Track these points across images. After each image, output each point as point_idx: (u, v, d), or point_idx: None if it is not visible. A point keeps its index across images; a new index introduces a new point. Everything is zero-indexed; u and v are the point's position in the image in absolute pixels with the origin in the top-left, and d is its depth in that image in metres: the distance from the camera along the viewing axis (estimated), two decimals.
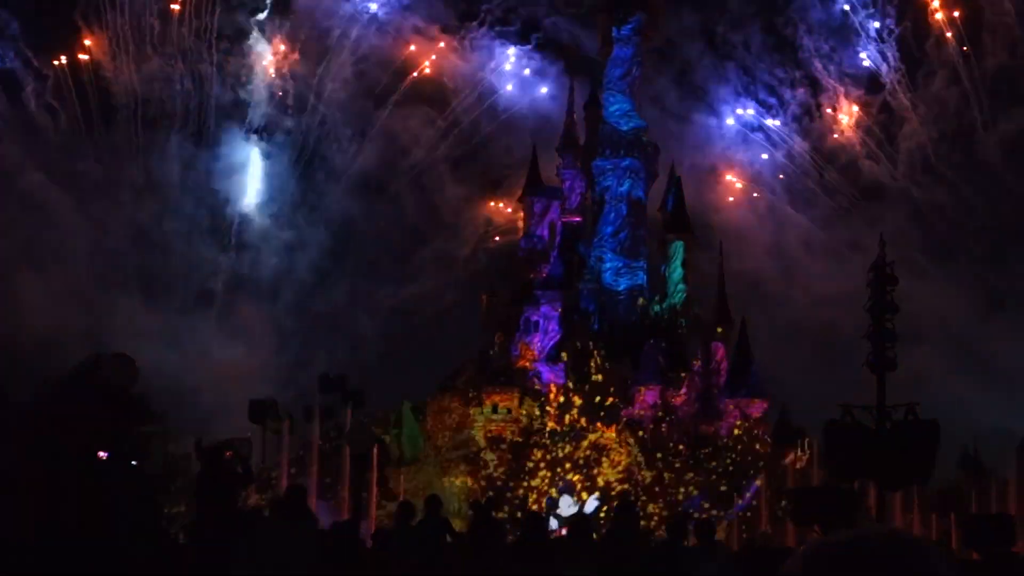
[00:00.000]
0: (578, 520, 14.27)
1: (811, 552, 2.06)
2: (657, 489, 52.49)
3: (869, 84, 76.30)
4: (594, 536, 15.12)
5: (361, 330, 71.87)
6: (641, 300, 59.66)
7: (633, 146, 60.50)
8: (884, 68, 75.50)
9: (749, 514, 53.08)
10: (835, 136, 77.95)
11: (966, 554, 15.14)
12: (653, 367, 55.21)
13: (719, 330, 60.65)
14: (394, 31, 73.84)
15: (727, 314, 61.22)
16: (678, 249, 60.75)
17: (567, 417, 54.37)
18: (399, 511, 15.68)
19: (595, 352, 55.82)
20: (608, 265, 59.64)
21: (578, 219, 60.94)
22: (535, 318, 57.96)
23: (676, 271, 60.63)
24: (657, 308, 59.77)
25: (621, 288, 59.57)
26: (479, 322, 61.93)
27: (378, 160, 75.65)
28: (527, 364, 56.62)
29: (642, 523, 38.39)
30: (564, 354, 56.25)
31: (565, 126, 63.72)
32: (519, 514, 44.25)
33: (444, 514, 16.85)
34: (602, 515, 46.55)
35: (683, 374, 56.92)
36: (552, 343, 56.89)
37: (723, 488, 53.89)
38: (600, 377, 55.29)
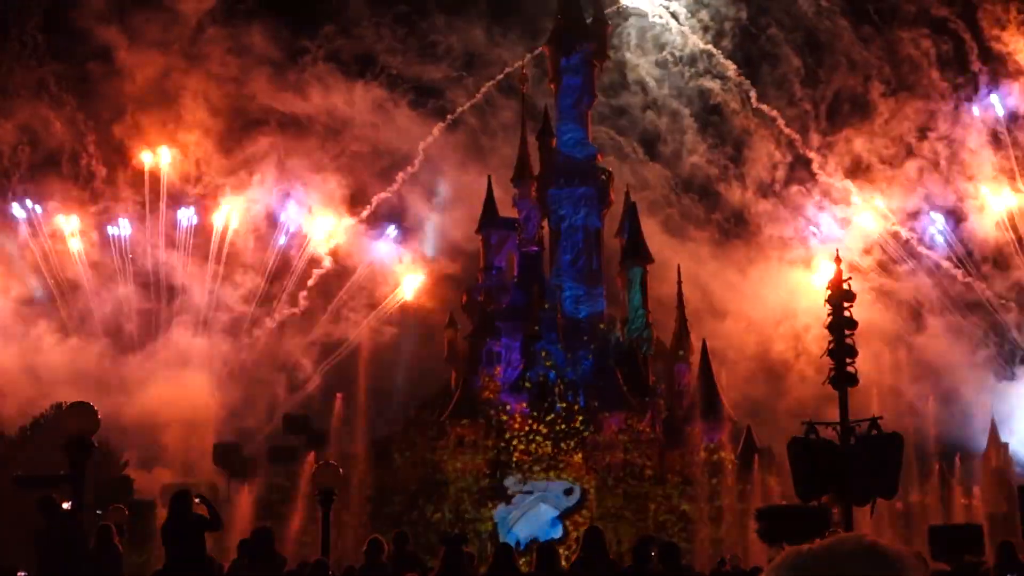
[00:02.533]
0: (544, 547, 14.23)
1: (789, 559, 2.08)
2: (625, 515, 52.52)
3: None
4: (562, 563, 15.11)
5: (311, 369, 71.81)
6: (602, 326, 59.81)
7: (587, 174, 60.74)
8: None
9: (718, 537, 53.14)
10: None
11: (935, 566, 15.23)
12: (616, 394, 55.26)
13: (680, 354, 60.89)
14: None
15: (687, 338, 61.46)
16: (636, 275, 60.96)
17: (533, 446, 54.43)
18: (368, 547, 15.62)
19: (559, 381, 55.89)
20: (568, 294, 59.75)
21: (536, 249, 61.02)
22: (497, 349, 58.06)
23: (636, 297, 60.82)
24: (618, 335, 59.92)
25: (582, 316, 59.67)
26: (444, 357, 61.95)
27: None
28: (491, 395, 56.67)
29: (611, 549, 38.39)
30: (527, 384, 56.29)
31: (519, 157, 63.89)
32: (489, 547, 44.15)
33: (412, 549, 16.82)
34: (571, 542, 46.54)
35: (646, 399, 57.02)
36: (515, 374, 56.93)
37: (685, 509, 54.11)
38: (564, 405, 55.40)
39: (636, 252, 61.31)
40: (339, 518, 47.31)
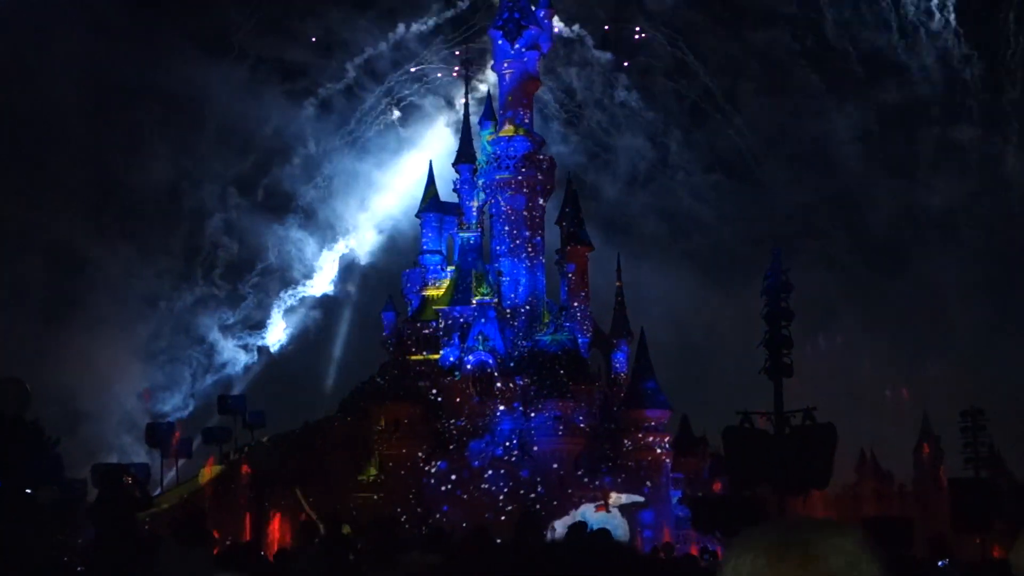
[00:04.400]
0: (477, 531, 14.18)
1: (745, 537, 2.04)
2: (555, 504, 52.53)
3: None
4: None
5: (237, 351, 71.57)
6: (545, 316, 59.84)
7: (528, 160, 60.66)
8: None
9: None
10: None
11: None
12: (554, 381, 55.29)
13: (614, 342, 61.16)
14: None
15: (626, 326, 61.69)
16: (576, 262, 61.15)
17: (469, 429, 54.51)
18: (301, 530, 15.52)
19: (497, 367, 55.90)
20: (507, 279, 59.71)
21: (476, 234, 60.91)
22: (437, 335, 58.11)
23: (575, 283, 60.99)
24: (556, 321, 59.97)
25: (520, 302, 59.66)
26: (379, 341, 61.76)
27: None
28: (426, 382, 56.69)
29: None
30: (465, 368, 56.25)
31: (461, 141, 63.77)
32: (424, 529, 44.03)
33: (347, 532, 16.71)
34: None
35: (584, 387, 57.11)
36: (454, 358, 56.90)
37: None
38: (500, 389, 55.45)
39: (576, 238, 61.41)
40: (274, 501, 47.13)
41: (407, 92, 71.22)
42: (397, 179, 71.30)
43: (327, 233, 75.72)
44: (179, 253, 73.04)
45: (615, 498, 52.22)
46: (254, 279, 73.18)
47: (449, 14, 71.25)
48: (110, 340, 68.07)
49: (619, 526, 48.75)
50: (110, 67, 72.46)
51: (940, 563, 16.88)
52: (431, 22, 71.55)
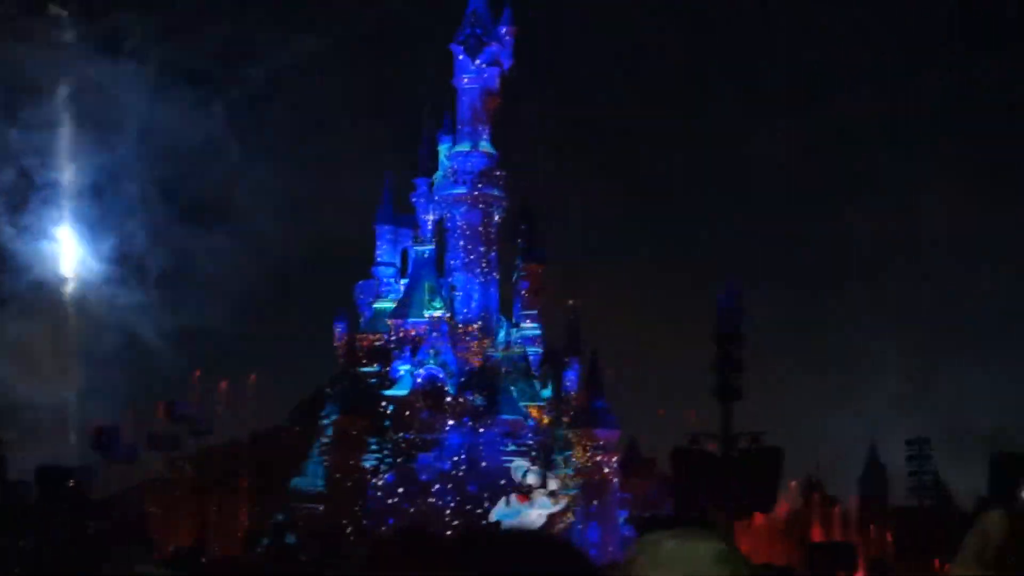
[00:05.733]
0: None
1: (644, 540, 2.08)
2: None
3: None
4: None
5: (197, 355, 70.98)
6: (500, 335, 59.78)
7: (485, 176, 60.74)
8: None
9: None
10: None
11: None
12: (505, 397, 55.35)
13: (566, 360, 61.28)
14: None
15: (578, 345, 61.81)
16: (529, 281, 61.30)
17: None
18: (246, 537, 15.48)
19: (447, 381, 55.87)
20: (460, 294, 59.72)
21: (430, 247, 60.88)
22: (388, 347, 58.04)
23: (529, 301, 61.15)
24: (508, 337, 60.05)
25: (473, 317, 59.66)
26: (334, 352, 61.54)
27: None
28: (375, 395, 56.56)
29: None
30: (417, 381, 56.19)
31: (419, 154, 63.76)
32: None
33: (291, 541, 16.65)
34: None
35: (533, 404, 57.21)
36: (405, 372, 56.78)
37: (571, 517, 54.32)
38: (450, 403, 55.43)
39: (530, 254, 61.55)
40: (221, 507, 46.90)
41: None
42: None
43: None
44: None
45: (540, 492, 52.54)
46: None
47: None
48: (45, 333, 67.32)
49: (527, 516, 49.47)
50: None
51: None
52: None
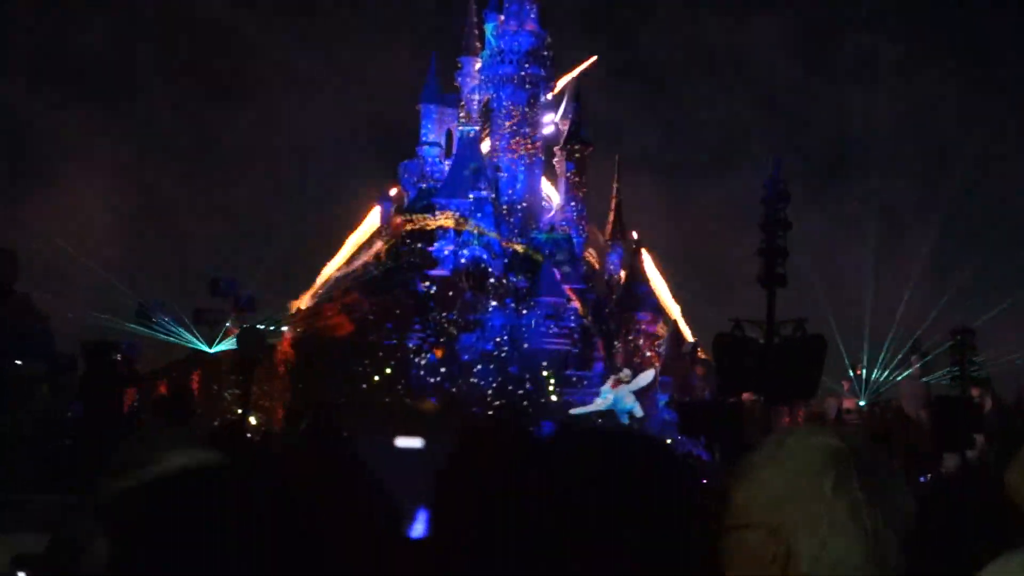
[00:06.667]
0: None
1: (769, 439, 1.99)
2: (542, 401, 52.81)
3: None
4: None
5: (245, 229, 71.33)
6: (548, 217, 59.55)
7: (532, 56, 60.09)
8: None
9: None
10: None
11: None
12: (548, 279, 55.30)
13: (609, 244, 61.11)
14: None
15: (622, 229, 61.61)
16: (575, 163, 60.88)
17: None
18: (287, 415, 15.55)
19: (491, 262, 55.80)
20: (505, 175, 59.43)
21: (476, 128, 60.48)
22: (432, 228, 57.92)
23: (573, 181, 60.80)
24: (553, 220, 59.86)
25: (517, 197, 59.44)
26: (378, 229, 61.54)
27: None
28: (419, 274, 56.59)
29: None
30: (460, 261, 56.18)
31: (464, 34, 63.07)
32: None
33: (334, 420, 16.70)
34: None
35: (577, 287, 57.19)
36: (449, 252, 56.68)
37: None
38: (492, 290, 55.46)
39: (576, 137, 61.06)
40: (264, 386, 47.29)
41: None
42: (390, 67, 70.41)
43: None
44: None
45: (626, 374, 52.79)
46: None
47: None
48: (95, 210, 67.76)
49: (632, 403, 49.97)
50: None
51: (921, 478, 16.95)
52: None
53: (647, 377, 52.40)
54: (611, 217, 62.28)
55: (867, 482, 1.80)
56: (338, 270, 66.30)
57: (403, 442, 2.80)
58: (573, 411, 51.03)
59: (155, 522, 1.78)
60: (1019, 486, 1.70)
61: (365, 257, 64.05)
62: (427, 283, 56.11)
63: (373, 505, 2.44)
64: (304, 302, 60.27)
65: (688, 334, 64.09)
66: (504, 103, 60.30)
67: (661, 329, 59.29)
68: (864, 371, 66.24)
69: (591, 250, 61.41)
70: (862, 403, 62.63)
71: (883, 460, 1.87)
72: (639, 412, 51.33)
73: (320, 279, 63.50)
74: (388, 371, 53.34)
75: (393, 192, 61.66)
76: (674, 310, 63.92)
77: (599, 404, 51.82)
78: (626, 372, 53.03)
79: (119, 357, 15.41)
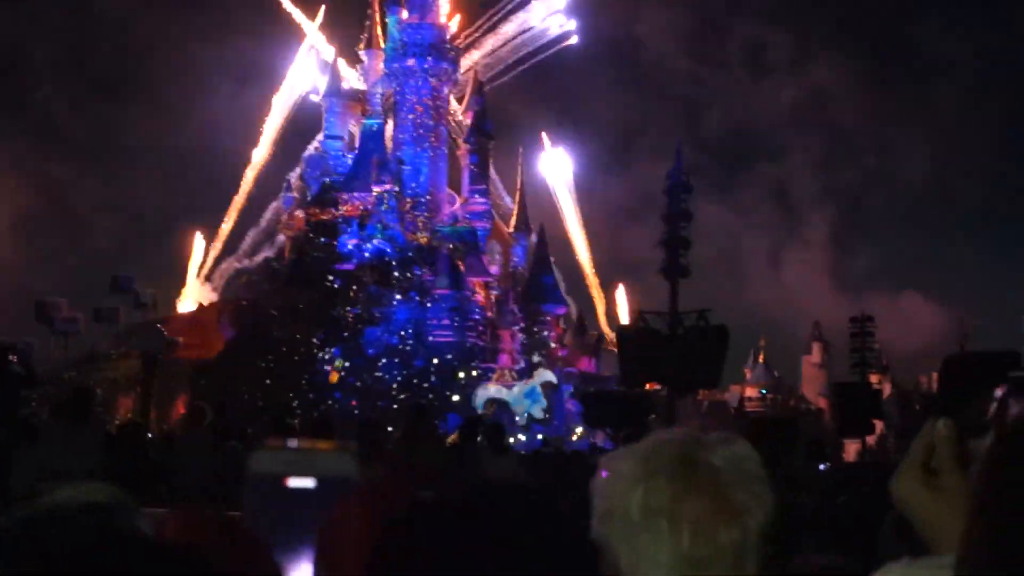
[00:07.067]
0: (369, 423, 14.17)
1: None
2: (447, 394, 52.76)
3: None
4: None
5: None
6: (452, 210, 59.43)
7: (435, 48, 59.99)
8: None
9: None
10: None
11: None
12: (452, 272, 55.24)
13: (514, 236, 61.23)
14: None
15: (526, 221, 61.73)
16: (479, 155, 60.84)
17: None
18: (189, 414, 15.34)
19: (395, 256, 55.62)
20: (408, 168, 59.26)
21: (379, 121, 60.22)
22: (336, 221, 57.58)
23: (475, 174, 60.77)
24: (456, 212, 59.82)
25: (421, 191, 59.32)
26: (278, 226, 61.22)
27: None
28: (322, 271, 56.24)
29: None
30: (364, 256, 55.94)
31: (368, 27, 62.82)
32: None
33: (231, 417, 16.56)
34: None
35: (480, 279, 57.21)
36: (352, 246, 56.41)
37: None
38: (396, 283, 55.27)
39: (480, 129, 61.01)
40: (165, 385, 46.74)
41: None
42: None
43: None
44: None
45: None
46: None
47: None
48: None
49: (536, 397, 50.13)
50: None
51: (820, 467, 17.11)
52: None
53: (544, 375, 52.56)
54: (515, 209, 62.31)
55: (684, 482, 1.79)
56: (237, 261, 65.84)
57: (295, 482, 2.73)
58: (483, 392, 51.16)
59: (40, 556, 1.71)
60: (906, 498, 1.68)
61: (267, 251, 63.65)
62: (331, 277, 55.77)
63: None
64: (197, 296, 59.72)
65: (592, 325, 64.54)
66: (407, 96, 60.15)
67: (565, 322, 59.57)
68: (764, 358, 67.20)
69: (495, 242, 61.45)
70: (764, 391, 63.44)
71: (731, 452, 1.86)
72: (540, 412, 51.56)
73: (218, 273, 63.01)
74: (292, 367, 52.98)
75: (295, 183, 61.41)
76: (578, 301, 64.27)
77: (513, 393, 51.97)
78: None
79: (14, 359, 15.05)
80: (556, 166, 72.35)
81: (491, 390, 51.54)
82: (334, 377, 51.61)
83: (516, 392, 51.87)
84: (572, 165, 73.59)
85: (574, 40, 68.58)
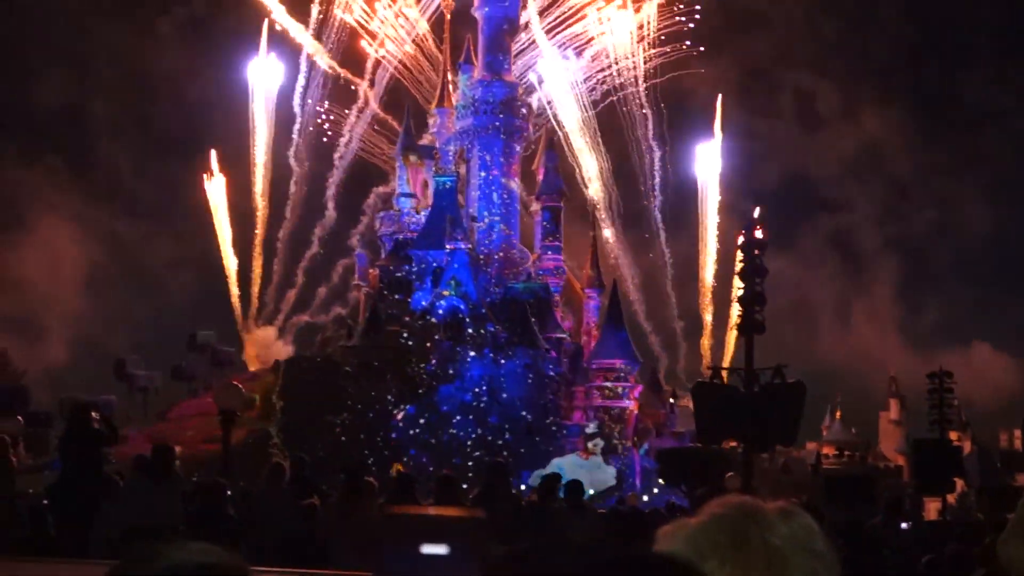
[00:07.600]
0: (446, 479, 14.18)
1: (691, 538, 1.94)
2: (522, 451, 52.57)
3: None
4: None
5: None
6: (524, 267, 59.54)
7: (506, 106, 60.38)
8: None
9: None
10: None
11: (830, 512, 15.38)
12: (525, 328, 55.23)
13: (586, 293, 61.20)
14: None
15: (599, 279, 61.69)
16: (551, 212, 61.01)
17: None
18: (270, 471, 15.45)
19: (468, 312, 55.70)
20: (481, 225, 59.54)
21: (452, 178, 60.59)
22: (409, 278, 57.88)
23: (549, 231, 60.91)
24: (529, 269, 59.90)
25: (494, 247, 59.52)
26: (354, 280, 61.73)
27: None
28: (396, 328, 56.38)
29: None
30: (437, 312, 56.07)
31: (440, 84, 63.42)
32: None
33: (309, 473, 16.64)
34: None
35: (555, 336, 57.19)
36: (426, 303, 56.60)
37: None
38: (470, 339, 55.31)
39: (552, 187, 61.19)
40: (243, 440, 47.04)
41: None
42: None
43: None
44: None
45: (595, 445, 52.66)
46: None
47: None
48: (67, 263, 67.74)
49: (605, 470, 49.54)
50: None
51: (903, 525, 16.89)
52: None
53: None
54: (587, 266, 62.32)
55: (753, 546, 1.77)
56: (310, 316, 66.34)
57: (430, 549, 2.79)
58: (556, 461, 50.81)
59: None
60: (1014, 559, 1.67)
61: (338, 309, 64.10)
62: (405, 334, 55.96)
63: None
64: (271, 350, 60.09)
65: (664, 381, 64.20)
66: (479, 153, 60.54)
67: (639, 377, 59.31)
68: (841, 414, 66.44)
69: (568, 299, 61.46)
70: (841, 449, 62.64)
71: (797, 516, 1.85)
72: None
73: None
74: (366, 423, 53.08)
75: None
76: (651, 358, 64.02)
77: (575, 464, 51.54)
78: (597, 443, 53.13)
79: (97, 416, 15.29)
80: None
81: (567, 460, 51.24)
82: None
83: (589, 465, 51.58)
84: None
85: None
